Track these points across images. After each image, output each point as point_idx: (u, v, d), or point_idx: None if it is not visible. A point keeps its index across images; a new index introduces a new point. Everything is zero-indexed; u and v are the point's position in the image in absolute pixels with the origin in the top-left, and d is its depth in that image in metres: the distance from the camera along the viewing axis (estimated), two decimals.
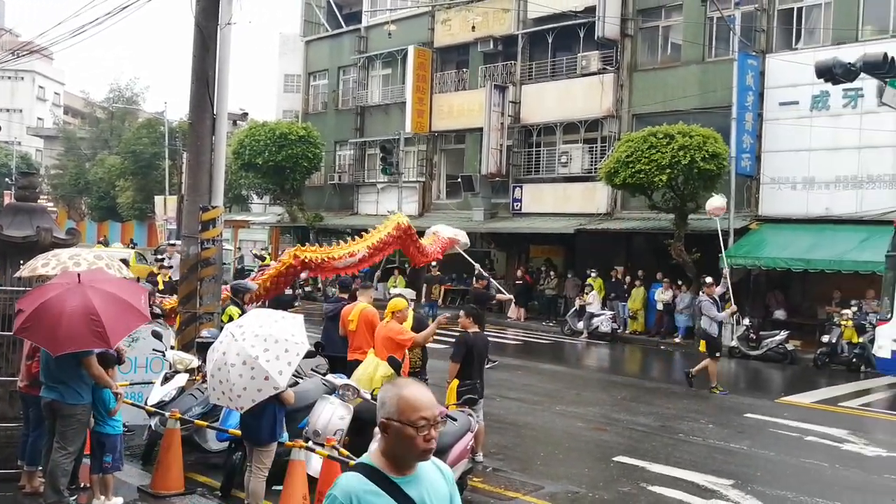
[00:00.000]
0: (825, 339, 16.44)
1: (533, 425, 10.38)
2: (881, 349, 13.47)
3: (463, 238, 14.82)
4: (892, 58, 14.52)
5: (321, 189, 32.63)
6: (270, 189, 31.51)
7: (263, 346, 5.34)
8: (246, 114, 44.09)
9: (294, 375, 7.38)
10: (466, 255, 15.39)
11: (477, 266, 16.22)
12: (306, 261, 10.71)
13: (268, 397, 5.46)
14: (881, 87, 15.07)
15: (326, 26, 34.02)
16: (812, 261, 17.33)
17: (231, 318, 8.27)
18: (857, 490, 7.94)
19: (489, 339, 9.35)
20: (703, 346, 13.63)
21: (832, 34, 19.19)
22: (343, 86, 33.20)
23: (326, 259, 11.07)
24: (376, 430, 6.38)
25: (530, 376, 14.31)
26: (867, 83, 16.46)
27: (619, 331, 20.57)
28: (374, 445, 5.79)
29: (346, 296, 10.11)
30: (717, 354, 13.32)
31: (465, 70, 28.13)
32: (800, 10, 20.25)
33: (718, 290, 13.83)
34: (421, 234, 13.87)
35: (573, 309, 21.28)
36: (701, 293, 13.99)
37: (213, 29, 9.04)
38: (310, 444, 6.15)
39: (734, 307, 13.94)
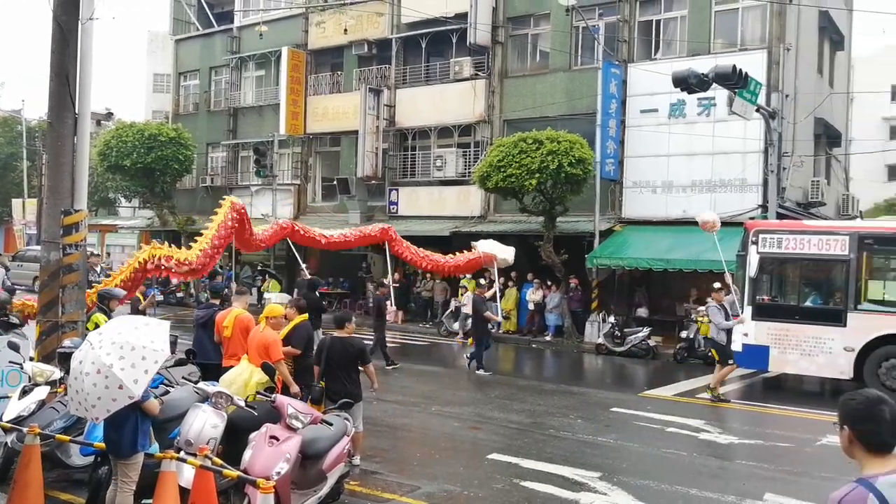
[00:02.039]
0: (684, 334, 17.44)
1: (409, 426, 10.49)
2: (734, 343, 14.34)
3: (501, 255, 15.22)
4: (741, 70, 15.68)
5: (193, 192, 31.68)
6: (139, 192, 30.33)
7: (119, 354, 5.16)
8: (111, 113, 42.16)
9: (165, 384, 7.18)
10: (494, 271, 15.55)
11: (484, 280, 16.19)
12: (159, 261, 10.68)
13: (129, 407, 5.30)
14: (731, 97, 16.21)
15: (197, 25, 33.02)
16: (671, 260, 18.34)
17: (97, 326, 7.94)
18: (713, 476, 8.40)
19: (366, 342, 9.39)
20: (715, 355, 13.15)
21: (688, 46, 20.40)
22: (215, 86, 32.40)
23: (177, 260, 11.07)
24: (251, 436, 6.35)
25: (407, 378, 14.42)
26: (719, 93, 17.67)
27: (492, 330, 21.00)
28: (247, 454, 5.75)
29: (217, 301, 9.90)
30: (731, 362, 12.95)
31: (339, 73, 28.02)
32: (658, 22, 21.41)
33: (728, 298, 13.27)
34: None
35: (448, 310, 21.61)
36: (709, 299, 13.42)
37: (73, 24, 8.63)
38: (181, 454, 6.00)
39: (742, 317, 13.43)
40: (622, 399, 12.82)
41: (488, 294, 14.99)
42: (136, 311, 12.60)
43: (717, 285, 13.30)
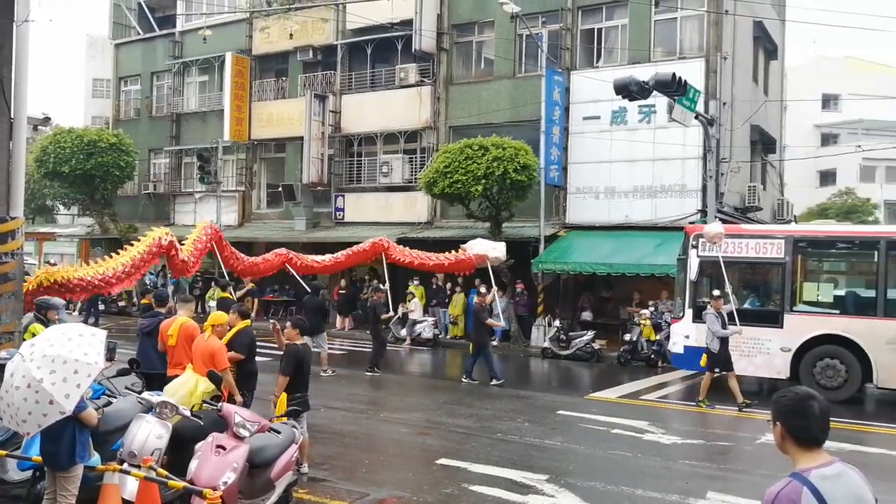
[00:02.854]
0: (627, 337, 17.73)
1: (357, 433, 10.45)
2: (675, 345, 14.67)
3: (493, 254, 14.96)
4: (680, 78, 16.06)
5: (135, 199, 31.11)
6: (79, 199, 29.57)
7: (50, 368, 5.04)
8: (49, 118, 41.01)
9: (107, 395, 7.04)
10: (491, 271, 15.31)
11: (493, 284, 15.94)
12: (53, 283, 10.53)
13: (65, 418, 5.18)
14: (671, 104, 16.57)
15: (138, 29, 32.42)
16: (614, 265, 18.66)
17: (34, 336, 7.73)
18: (657, 476, 8.53)
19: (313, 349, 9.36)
20: (703, 361, 12.86)
21: (629, 54, 20.80)
22: (157, 92, 31.89)
23: (76, 279, 10.91)
24: (197, 446, 6.27)
25: (355, 385, 14.37)
26: (659, 100, 18.07)
27: (440, 336, 21.10)
28: (193, 464, 5.68)
29: (162, 310, 9.74)
30: (716, 371, 12.66)
31: (284, 79, 27.82)
32: (600, 30, 21.80)
33: (726, 307, 12.98)
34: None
35: (396, 316, 21.60)
36: (708, 306, 13.03)
37: (7, 25, 8.40)
38: (125, 466, 5.89)
39: (740, 328, 12.96)
40: (568, 402, 12.96)
41: (488, 300, 14.82)
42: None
43: (716, 293, 13.04)
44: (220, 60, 28.39)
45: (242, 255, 16.65)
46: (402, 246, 17.81)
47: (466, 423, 11.11)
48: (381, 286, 17.35)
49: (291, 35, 26.42)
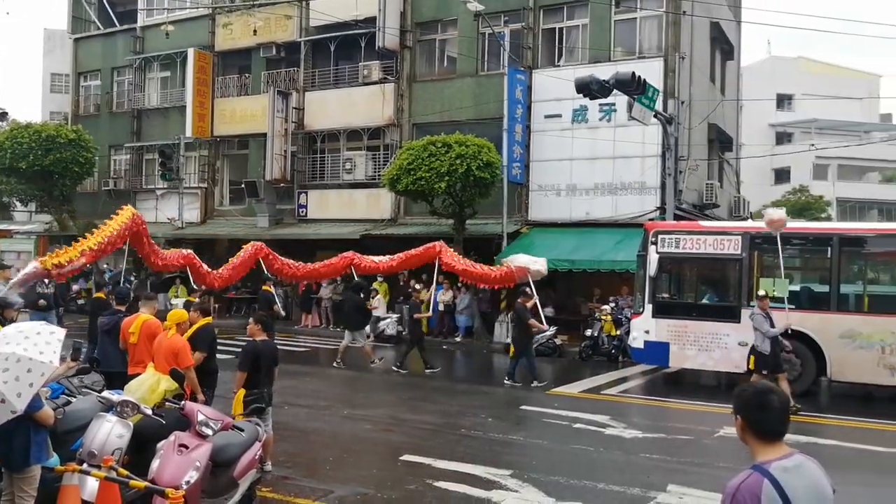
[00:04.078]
0: (588, 332, 17.94)
1: (321, 431, 10.45)
2: (635, 340, 14.85)
3: (534, 267, 14.91)
4: (640, 77, 16.30)
5: (95, 195, 30.56)
6: (36, 195, 29.03)
7: (3, 366, 4.98)
8: (5, 113, 40.13)
9: (66, 394, 6.95)
10: (532, 285, 15.11)
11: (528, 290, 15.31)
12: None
13: (19, 417, 5.12)
14: (630, 102, 16.80)
15: (98, 24, 31.92)
16: (576, 261, 18.86)
17: None
18: (619, 470, 8.64)
19: (278, 346, 9.32)
20: (751, 363, 12.40)
21: (589, 53, 21.03)
22: (117, 87, 31.45)
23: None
24: (159, 445, 6.23)
25: (318, 382, 14.35)
26: (619, 99, 18.30)
27: (403, 333, 21.09)
28: (155, 464, 5.65)
29: (123, 308, 9.63)
30: (764, 372, 11.98)
31: (247, 75, 27.61)
32: (561, 30, 22.00)
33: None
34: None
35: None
36: (755, 307, 12.52)
37: None
38: (85, 466, 5.82)
39: (790, 322, 12.52)
40: (531, 397, 13.06)
41: (529, 304, 14.72)
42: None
43: (761, 293, 12.56)
44: (182, 56, 28.07)
45: (298, 263, 17.47)
46: (452, 251, 17.40)
47: (430, 419, 11.17)
48: (417, 287, 17.40)
49: (255, 31, 26.22)
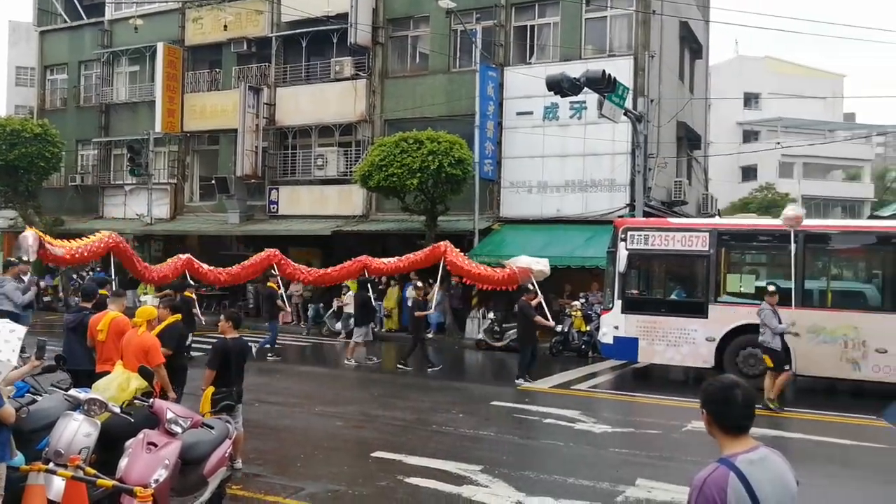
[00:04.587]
0: (559, 328, 18.07)
1: (292, 428, 10.42)
2: (605, 336, 15.01)
3: (537, 267, 14.88)
4: (610, 75, 16.42)
5: (62, 191, 30.21)
6: (1, 191, 28.52)
7: None
8: None
9: (31, 393, 6.86)
10: (535, 283, 15.00)
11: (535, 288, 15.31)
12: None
13: None
14: (601, 100, 16.94)
15: (65, 17, 31.47)
16: (546, 257, 18.94)
17: None
18: (589, 465, 8.74)
19: (249, 343, 9.28)
20: (768, 361, 12.26)
21: (560, 51, 21.16)
22: (85, 81, 31.04)
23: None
24: (127, 444, 6.18)
25: (289, 379, 14.30)
26: (590, 97, 18.44)
27: (375, 329, 21.06)
28: (123, 462, 5.60)
29: (88, 305, 9.51)
30: (787, 368, 12.18)
31: (218, 70, 27.39)
32: (532, 27, 22.10)
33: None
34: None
35: (331, 310, 21.51)
36: (764, 303, 12.41)
37: None
38: (51, 465, 5.76)
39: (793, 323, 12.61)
40: (502, 393, 13.15)
41: (534, 302, 14.67)
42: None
43: (770, 288, 12.51)
44: (152, 51, 27.80)
45: (311, 268, 18.00)
46: (458, 250, 17.19)
47: (402, 415, 11.19)
48: (418, 283, 17.29)
49: (225, 26, 26.03)
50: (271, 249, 17.86)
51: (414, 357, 15.69)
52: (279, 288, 17.30)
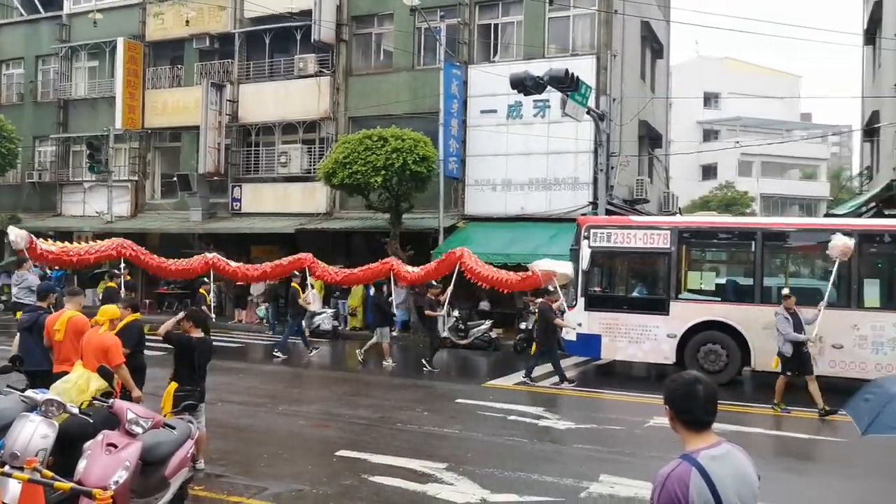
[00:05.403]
0: (523, 326, 18.17)
1: (255, 427, 10.33)
2: (569, 333, 15.14)
3: (561, 270, 14.68)
4: (573, 74, 16.54)
5: (18, 188, 29.66)
6: None
7: None
8: None
9: None
10: (556, 285, 14.72)
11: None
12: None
13: None
14: (564, 99, 17.04)
15: (21, 10, 30.91)
16: (511, 255, 19.06)
17: None
18: (552, 461, 8.78)
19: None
20: (775, 363, 11.93)
21: (524, 50, 21.28)
22: (42, 76, 30.46)
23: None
24: (86, 445, 6.09)
25: (252, 378, 14.18)
26: (553, 95, 18.55)
27: (339, 328, 21.01)
28: (82, 464, 5.51)
29: (44, 305, 9.31)
30: (788, 373, 11.70)
31: (180, 66, 27.05)
32: (496, 26, 22.18)
33: (811, 314, 12.04)
34: None
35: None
36: (780, 307, 11.88)
37: None
38: (6, 468, 5.64)
39: (813, 336, 12.07)
40: (466, 390, 13.17)
41: (555, 305, 14.56)
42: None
43: (785, 291, 12.14)
44: (112, 46, 27.36)
45: (336, 269, 17.86)
46: (475, 256, 16.69)
47: (366, 414, 11.15)
48: (434, 282, 16.94)
49: (187, 22, 25.72)
50: (304, 254, 17.73)
51: (432, 358, 15.52)
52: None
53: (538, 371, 15.18)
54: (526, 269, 15.70)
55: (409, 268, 17.15)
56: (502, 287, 16.03)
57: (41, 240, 15.68)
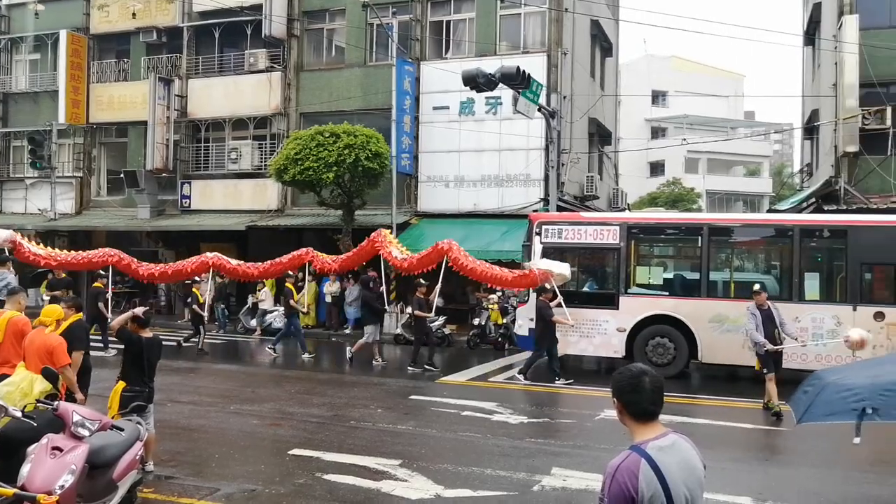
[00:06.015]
0: (476, 321, 18.28)
1: (206, 427, 10.20)
2: (521, 328, 15.27)
3: (558, 270, 14.40)
4: (524, 71, 16.67)
5: None
6: None
7: None
8: None
9: None
10: (554, 285, 14.43)
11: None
12: None
13: None
14: (515, 96, 17.17)
15: None
16: (463, 251, 19.09)
17: None
18: (506, 455, 8.84)
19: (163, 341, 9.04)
20: (757, 365, 11.45)
21: (476, 47, 21.36)
22: None
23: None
24: (29, 449, 5.97)
25: (203, 378, 14.01)
26: (505, 93, 18.67)
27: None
28: (26, 469, 5.40)
29: None
30: (765, 372, 11.06)
31: (126, 60, 26.50)
32: (448, 23, 22.22)
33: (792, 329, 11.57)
34: None
35: (246, 307, 21.16)
36: (750, 303, 11.35)
37: None
38: None
39: (792, 341, 11.62)
40: (420, 387, 13.23)
41: (553, 303, 14.37)
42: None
43: (755, 287, 11.56)
44: (54, 38, 26.66)
45: (333, 257, 16.94)
46: (463, 249, 16.24)
47: (319, 412, 11.11)
48: (422, 281, 16.76)
49: (134, 15, 25.23)
50: (305, 248, 17.21)
51: (430, 356, 15.42)
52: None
53: (491, 367, 15.33)
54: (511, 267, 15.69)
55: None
56: (496, 283, 15.88)
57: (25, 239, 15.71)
